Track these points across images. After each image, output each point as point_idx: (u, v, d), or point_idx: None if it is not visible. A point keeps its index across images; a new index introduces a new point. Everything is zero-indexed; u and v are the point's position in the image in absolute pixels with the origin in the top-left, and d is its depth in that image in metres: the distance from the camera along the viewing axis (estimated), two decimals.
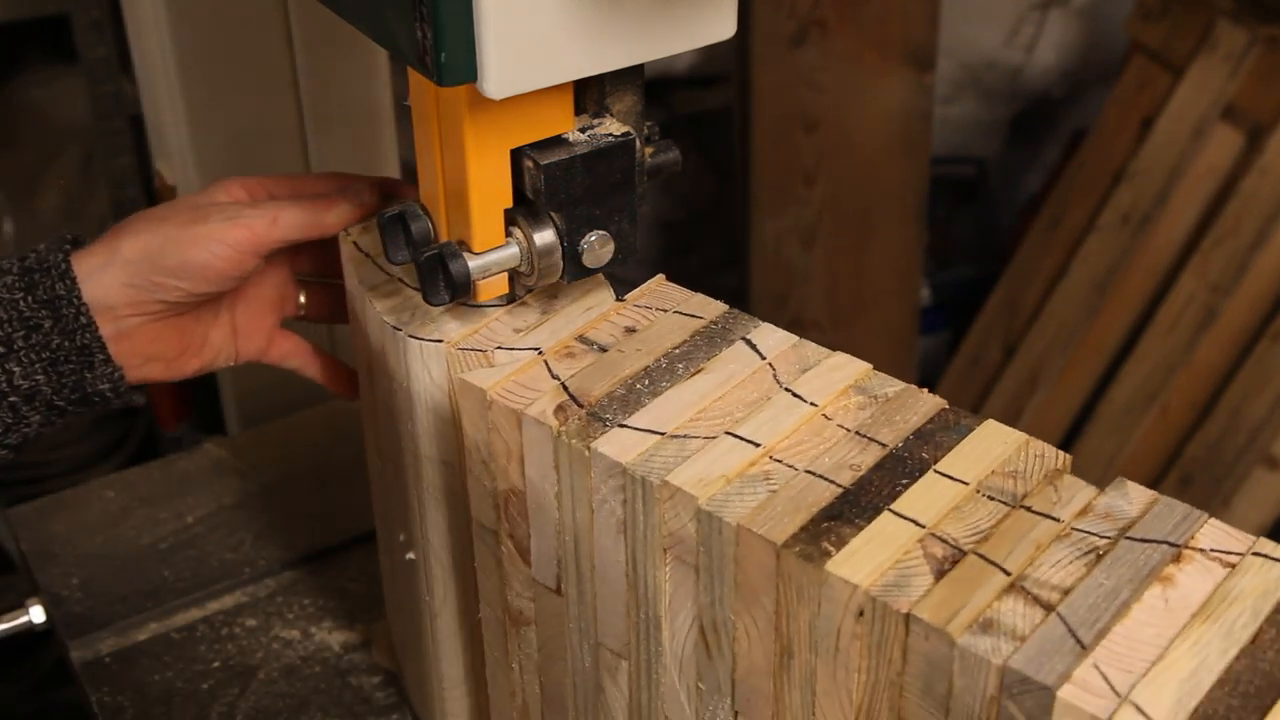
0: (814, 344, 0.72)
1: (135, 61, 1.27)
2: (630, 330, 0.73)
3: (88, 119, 1.77)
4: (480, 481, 0.72)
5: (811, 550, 0.59)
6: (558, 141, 0.70)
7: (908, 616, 0.57)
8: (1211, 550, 0.61)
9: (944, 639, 0.56)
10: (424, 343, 0.73)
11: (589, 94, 0.71)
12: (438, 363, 0.73)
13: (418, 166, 0.73)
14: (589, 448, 0.65)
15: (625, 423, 0.67)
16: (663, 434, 0.66)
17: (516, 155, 0.70)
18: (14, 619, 1.02)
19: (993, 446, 0.65)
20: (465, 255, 0.70)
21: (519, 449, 0.69)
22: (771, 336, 0.72)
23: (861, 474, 0.64)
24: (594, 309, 0.75)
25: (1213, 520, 0.62)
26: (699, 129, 2.33)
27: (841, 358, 0.71)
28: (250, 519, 1.11)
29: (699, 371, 0.70)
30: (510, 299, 0.75)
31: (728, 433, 0.66)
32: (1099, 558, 0.60)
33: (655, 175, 0.77)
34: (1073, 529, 0.61)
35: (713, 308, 0.75)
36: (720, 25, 0.70)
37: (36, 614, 1.02)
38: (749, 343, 0.72)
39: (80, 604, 1.03)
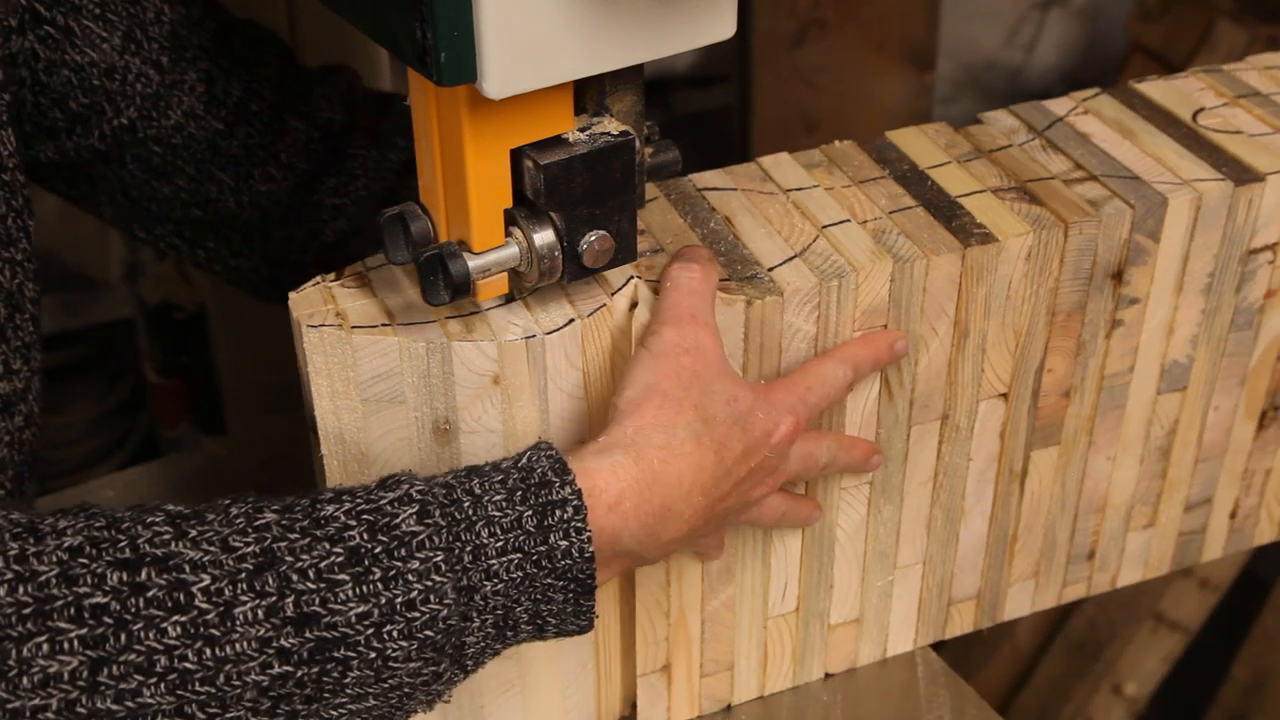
0: (735, 165, 0.86)
1: None
2: (643, 231, 0.80)
3: None
4: None
5: (981, 236, 0.79)
6: (557, 141, 0.70)
7: (1066, 226, 0.80)
8: (1082, 100, 0.92)
9: (1093, 221, 0.81)
10: (561, 332, 0.73)
11: (589, 94, 0.71)
12: (574, 342, 0.74)
13: (418, 166, 0.73)
14: (782, 294, 0.75)
15: (768, 267, 0.77)
16: (794, 256, 0.78)
17: (516, 155, 0.70)
18: None
19: (923, 144, 0.87)
20: (465, 255, 0.70)
21: None
22: (715, 177, 0.85)
23: (916, 193, 0.82)
24: None
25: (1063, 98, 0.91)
26: (699, 129, 2.33)
27: (769, 158, 0.86)
28: None
29: (729, 218, 0.81)
30: (509, 299, 0.75)
31: (822, 228, 0.80)
32: (1059, 147, 0.87)
33: (655, 175, 0.77)
34: (1020, 145, 0.87)
35: (646, 190, 0.83)
36: (720, 25, 0.70)
37: None
38: (711, 189, 0.84)
39: None
